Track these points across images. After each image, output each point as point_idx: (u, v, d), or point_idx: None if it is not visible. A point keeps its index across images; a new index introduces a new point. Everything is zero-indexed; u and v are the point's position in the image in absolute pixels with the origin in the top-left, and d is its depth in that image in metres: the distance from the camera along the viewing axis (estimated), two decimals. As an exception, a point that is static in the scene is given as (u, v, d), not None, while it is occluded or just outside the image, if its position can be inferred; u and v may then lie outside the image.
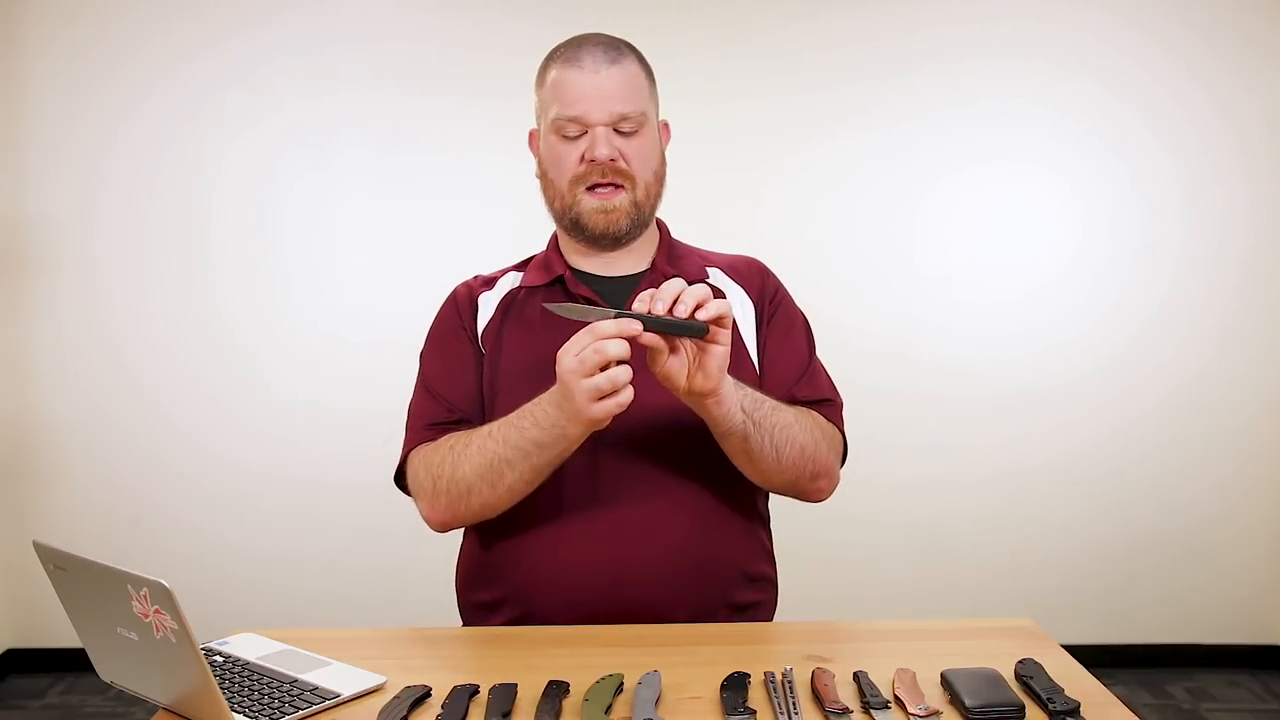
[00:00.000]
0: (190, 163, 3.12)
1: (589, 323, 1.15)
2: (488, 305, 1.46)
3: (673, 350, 1.15)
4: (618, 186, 1.37)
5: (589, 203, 1.37)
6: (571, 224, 1.40)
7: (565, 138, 1.37)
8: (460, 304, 1.47)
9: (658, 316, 1.13)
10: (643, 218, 1.41)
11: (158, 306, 3.14)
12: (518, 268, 1.51)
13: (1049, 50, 3.11)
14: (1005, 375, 3.19)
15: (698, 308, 1.13)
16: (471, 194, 3.13)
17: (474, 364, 1.42)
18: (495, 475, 1.27)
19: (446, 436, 1.35)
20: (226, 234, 3.14)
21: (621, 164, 1.36)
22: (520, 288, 1.46)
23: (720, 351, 1.15)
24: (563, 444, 1.23)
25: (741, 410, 1.23)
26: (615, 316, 1.12)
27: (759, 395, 1.27)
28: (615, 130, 1.36)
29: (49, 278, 3.14)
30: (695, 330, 1.13)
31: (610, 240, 1.40)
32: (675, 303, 1.13)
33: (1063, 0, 3.10)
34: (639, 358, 1.33)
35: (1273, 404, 3.19)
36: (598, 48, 1.38)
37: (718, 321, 1.14)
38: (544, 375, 1.35)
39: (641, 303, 1.14)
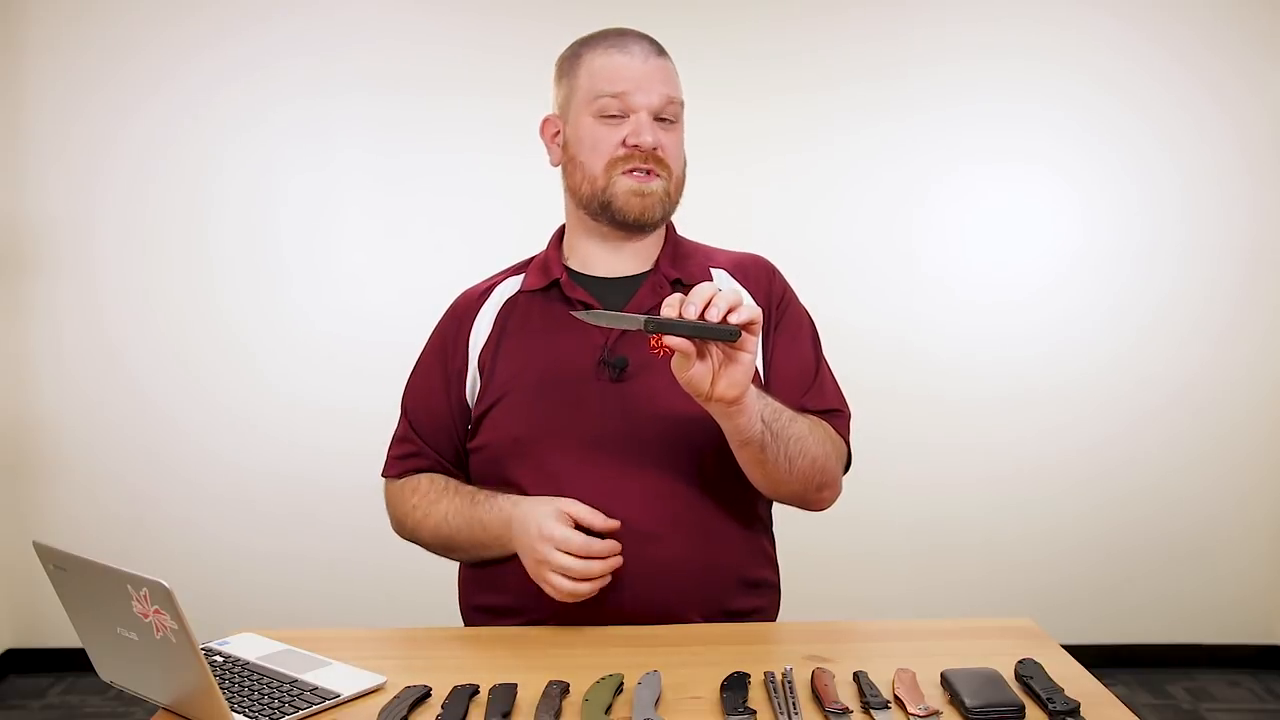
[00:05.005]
0: (190, 163, 3.12)
1: (622, 330, 1.13)
2: (484, 320, 1.44)
3: (699, 356, 1.14)
4: (653, 174, 1.37)
5: (625, 183, 1.35)
6: (601, 207, 1.38)
7: (606, 118, 1.36)
8: (456, 320, 1.47)
9: (689, 321, 1.11)
10: (670, 209, 1.41)
11: (158, 306, 3.14)
12: (517, 270, 1.50)
13: (1049, 50, 3.11)
14: (1006, 375, 3.19)
15: (730, 311, 1.11)
16: (471, 194, 3.13)
17: (446, 397, 1.43)
18: (447, 549, 1.42)
19: (412, 485, 1.45)
20: (226, 234, 3.14)
21: (661, 153, 1.36)
22: (520, 292, 1.45)
23: (747, 359, 1.14)
24: (502, 552, 1.32)
25: (761, 420, 1.22)
26: (645, 322, 1.10)
27: (777, 405, 1.26)
28: (656, 119, 1.36)
29: (49, 278, 3.13)
30: (727, 334, 1.11)
31: (638, 227, 1.39)
32: (707, 306, 1.11)
33: (1063, 0, 3.10)
34: (640, 359, 1.34)
35: (1273, 404, 3.19)
36: (644, 39, 1.39)
37: (747, 327, 1.12)
38: (545, 379, 1.36)
39: (670, 307, 1.13)
